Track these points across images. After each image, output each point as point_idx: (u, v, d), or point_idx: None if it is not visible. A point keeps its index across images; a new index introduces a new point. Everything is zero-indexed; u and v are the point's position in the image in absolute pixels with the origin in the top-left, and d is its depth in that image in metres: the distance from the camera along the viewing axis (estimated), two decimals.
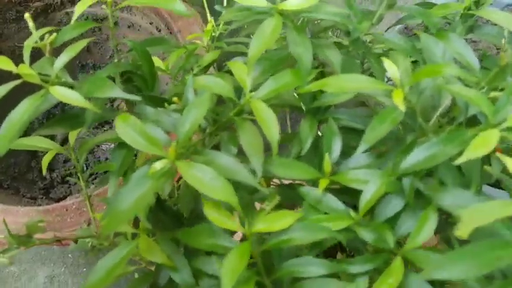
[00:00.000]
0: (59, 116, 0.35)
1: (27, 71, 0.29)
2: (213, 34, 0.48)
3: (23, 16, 0.88)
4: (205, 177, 0.26)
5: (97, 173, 0.88)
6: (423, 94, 0.33)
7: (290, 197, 0.33)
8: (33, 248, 0.99)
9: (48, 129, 0.36)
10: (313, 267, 0.28)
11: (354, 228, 0.29)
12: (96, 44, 0.95)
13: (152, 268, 0.37)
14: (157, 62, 0.44)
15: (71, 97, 0.29)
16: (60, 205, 0.79)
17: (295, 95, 0.38)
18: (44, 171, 0.41)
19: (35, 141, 0.37)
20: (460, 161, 0.25)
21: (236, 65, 0.32)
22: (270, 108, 0.32)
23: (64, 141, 0.91)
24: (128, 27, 0.88)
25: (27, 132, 0.32)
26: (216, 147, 0.34)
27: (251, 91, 0.31)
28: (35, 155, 0.90)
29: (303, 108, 0.36)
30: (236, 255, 0.27)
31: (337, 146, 0.33)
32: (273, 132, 0.29)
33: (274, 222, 0.28)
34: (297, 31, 0.35)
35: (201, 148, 0.29)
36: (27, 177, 0.88)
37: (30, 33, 0.34)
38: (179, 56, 0.44)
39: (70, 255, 0.96)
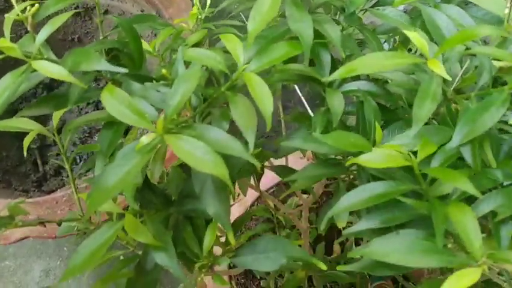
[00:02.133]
0: (44, 95, 0.34)
1: (8, 44, 0.27)
2: (199, 17, 0.46)
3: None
4: (195, 151, 0.25)
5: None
6: (447, 63, 0.32)
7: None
8: (29, 243, 0.97)
9: (33, 109, 0.34)
10: None
11: None
12: (87, 34, 0.93)
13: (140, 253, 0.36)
14: (144, 45, 0.43)
15: (55, 71, 0.27)
16: (50, 197, 0.78)
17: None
18: (25, 152, 0.39)
19: (19, 123, 0.36)
20: None
21: (228, 37, 0.30)
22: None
23: (58, 133, 0.89)
24: (119, 15, 0.86)
25: None
26: None
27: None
28: (27, 148, 0.88)
29: (321, 80, 0.35)
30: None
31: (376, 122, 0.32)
32: (267, 105, 0.27)
33: None
34: (296, 6, 0.34)
35: (191, 123, 0.28)
36: (19, 170, 0.86)
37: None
38: (167, 38, 0.43)
39: (65, 248, 0.95)
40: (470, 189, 0.26)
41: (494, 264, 0.25)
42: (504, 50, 0.34)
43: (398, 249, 0.27)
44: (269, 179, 0.83)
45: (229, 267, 0.68)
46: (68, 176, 0.88)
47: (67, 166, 0.37)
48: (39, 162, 0.86)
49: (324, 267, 0.34)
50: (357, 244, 0.74)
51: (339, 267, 0.35)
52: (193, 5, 0.47)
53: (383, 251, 0.27)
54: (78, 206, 0.37)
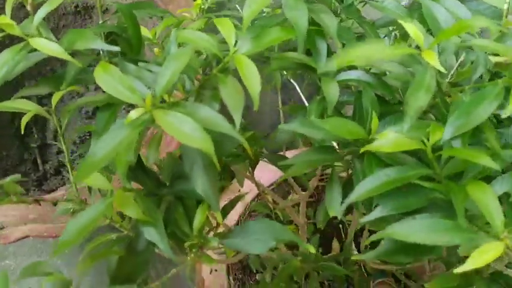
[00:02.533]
0: (43, 76, 0.35)
1: (7, 21, 0.29)
2: (202, 7, 0.48)
3: None
4: (183, 126, 0.26)
5: None
6: (443, 55, 0.33)
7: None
8: (29, 241, 0.99)
9: (32, 89, 0.36)
10: None
11: None
12: (82, 26, 0.95)
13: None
14: (144, 31, 0.44)
15: (52, 48, 0.29)
16: (50, 196, 0.79)
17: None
18: (23, 130, 0.40)
19: (17, 104, 0.37)
20: (507, 112, 0.27)
21: (222, 22, 0.32)
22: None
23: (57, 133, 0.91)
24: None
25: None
26: None
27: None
28: (27, 147, 0.90)
29: (315, 68, 0.36)
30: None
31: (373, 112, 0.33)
32: (255, 85, 0.28)
33: None
34: None
35: (181, 102, 0.29)
36: (19, 169, 0.88)
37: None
38: (167, 27, 0.44)
39: None
40: (492, 164, 0.27)
41: None
42: (501, 44, 0.35)
43: (421, 229, 0.28)
44: (269, 176, 0.84)
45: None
46: (69, 174, 0.90)
47: (64, 147, 0.39)
48: (39, 161, 0.88)
49: (313, 250, 0.35)
50: (356, 242, 0.75)
51: (354, 257, 0.36)
52: (193, 1, 0.48)
53: (406, 231, 0.28)
54: (73, 187, 0.38)
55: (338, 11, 0.44)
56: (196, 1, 0.50)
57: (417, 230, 0.28)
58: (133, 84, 0.28)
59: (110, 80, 0.27)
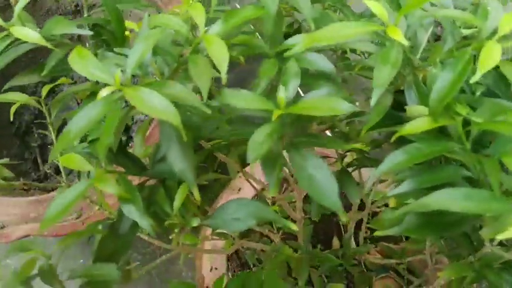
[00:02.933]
0: (30, 67, 0.38)
1: None
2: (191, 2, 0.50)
3: None
4: (151, 100, 0.28)
5: None
6: (409, 30, 0.35)
7: None
8: (30, 241, 1.02)
9: (20, 78, 0.38)
10: None
11: None
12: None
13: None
14: (131, 24, 0.47)
15: (30, 35, 0.31)
16: (51, 195, 0.82)
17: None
18: (12, 117, 0.43)
19: (8, 96, 0.40)
20: (475, 78, 0.27)
21: (194, 6, 0.34)
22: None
23: (59, 131, 0.94)
24: None
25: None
26: None
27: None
28: (28, 146, 0.93)
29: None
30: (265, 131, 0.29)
31: (294, 85, 0.34)
32: (223, 61, 0.30)
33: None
34: None
35: (153, 81, 0.31)
36: (20, 168, 0.91)
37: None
38: None
39: None
40: None
41: None
42: (467, 13, 0.36)
43: (456, 198, 0.28)
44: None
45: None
46: (69, 174, 0.93)
47: (53, 135, 0.41)
48: (39, 161, 0.91)
49: (294, 227, 0.36)
50: (356, 239, 0.75)
51: (376, 233, 0.37)
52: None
53: (441, 200, 0.28)
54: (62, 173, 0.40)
55: None
56: None
57: (453, 198, 0.28)
58: (107, 67, 0.30)
59: (83, 62, 0.30)
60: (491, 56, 0.29)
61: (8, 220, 0.77)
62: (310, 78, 0.37)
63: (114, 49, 0.35)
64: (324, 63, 0.38)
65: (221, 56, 0.30)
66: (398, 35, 0.32)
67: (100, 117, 0.28)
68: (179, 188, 0.36)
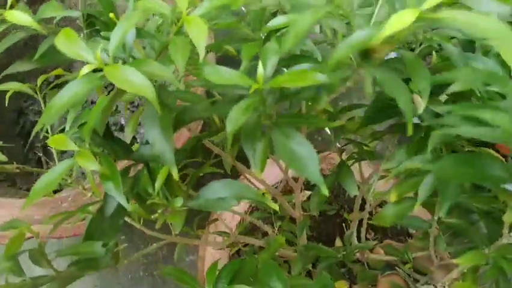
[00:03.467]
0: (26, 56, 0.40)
1: None
2: None
3: None
4: (129, 77, 0.30)
5: None
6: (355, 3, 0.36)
7: None
8: (30, 243, 1.05)
9: (16, 66, 0.41)
10: None
11: None
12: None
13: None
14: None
15: (24, 19, 0.34)
16: (56, 197, 0.85)
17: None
18: (7, 102, 0.45)
19: (4, 85, 0.43)
20: (377, 39, 0.27)
21: None
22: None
23: (62, 131, 0.98)
24: None
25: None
26: None
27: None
28: (31, 147, 0.97)
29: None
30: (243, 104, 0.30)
31: (272, 62, 0.35)
32: (201, 38, 0.32)
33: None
34: None
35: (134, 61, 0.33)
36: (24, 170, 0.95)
37: None
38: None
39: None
40: None
41: None
42: None
43: None
44: (274, 175, 0.87)
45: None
46: (71, 176, 0.96)
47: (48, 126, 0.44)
48: (43, 161, 0.94)
49: (276, 207, 0.38)
50: (359, 239, 0.76)
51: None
52: None
53: None
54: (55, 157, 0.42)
55: None
56: None
57: None
58: (92, 48, 0.32)
59: (69, 43, 0.32)
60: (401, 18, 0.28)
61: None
62: (292, 59, 0.39)
63: (101, 33, 0.37)
64: (304, 42, 0.40)
65: (200, 34, 0.32)
66: None
67: (82, 93, 0.31)
68: (161, 170, 0.38)
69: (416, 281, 0.70)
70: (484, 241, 0.45)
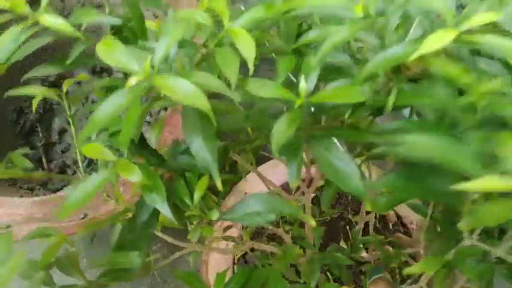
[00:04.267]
0: (49, 58, 0.38)
1: (16, 0, 0.32)
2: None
3: None
4: (180, 87, 0.28)
5: (95, 163, 0.91)
6: (391, 19, 0.35)
7: None
8: (33, 241, 1.01)
9: (40, 70, 0.38)
10: None
11: None
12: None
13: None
14: (149, 23, 0.47)
15: (59, 24, 0.32)
16: (57, 196, 0.82)
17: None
18: (34, 110, 0.43)
19: (26, 89, 0.40)
20: (413, 56, 0.27)
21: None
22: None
23: (62, 131, 0.94)
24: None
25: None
26: None
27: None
28: (32, 146, 0.93)
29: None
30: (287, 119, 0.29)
31: (313, 77, 0.34)
32: (250, 51, 0.31)
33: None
34: None
35: (179, 71, 0.31)
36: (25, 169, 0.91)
37: None
38: None
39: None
40: None
41: None
42: None
43: None
44: (281, 175, 0.85)
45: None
46: (73, 174, 0.92)
47: (73, 129, 0.41)
48: (44, 160, 0.91)
49: (313, 222, 0.36)
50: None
51: None
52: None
53: None
54: (79, 161, 0.40)
55: None
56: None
57: None
58: (135, 54, 0.30)
59: (110, 52, 0.30)
60: (439, 39, 0.28)
61: (13, 220, 0.77)
62: (327, 72, 0.38)
63: (139, 42, 0.35)
64: (341, 57, 0.38)
65: (248, 47, 0.31)
66: (359, 11, 0.32)
67: (127, 105, 0.29)
68: (199, 181, 0.37)
69: (403, 281, 0.69)
70: (448, 243, 0.44)
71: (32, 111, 0.95)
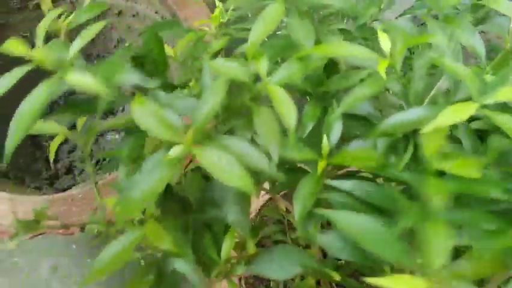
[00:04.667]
0: (67, 103, 0.35)
1: (42, 55, 0.29)
2: (221, 20, 0.48)
3: (27, 5, 0.87)
4: (221, 163, 0.26)
5: (101, 163, 0.88)
6: (417, 73, 0.33)
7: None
8: (37, 239, 0.99)
9: (56, 116, 0.36)
10: None
11: None
12: (99, 33, 0.95)
13: (158, 254, 0.37)
14: (166, 49, 0.44)
15: (88, 83, 0.29)
16: (66, 194, 0.79)
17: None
18: (52, 157, 0.40)
19: (48, 127, 0.37)
20: (427, 128, 0.26)
21: (257, 55, 0.32)
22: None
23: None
24: (133, 16, 0.87)
25: None
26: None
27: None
28: (39, 145, 0.90)
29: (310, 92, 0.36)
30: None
31: (337, 130, 0.33)
32: (291, 115, 0.28)
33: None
34: (300, 16, 0.35)
35: (213, 134, 0.29)
36: (32, 167, 0.88)
37: (35, 23, 0.34)
38: (188, 43, 0.44)
39: (73, 245, 0.97)
40: None
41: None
42: (466, 68, 0.32)
43: None
44: None
45: None
46: (80, 174, 0.90)
47: (90, 170, 0.39)
48: (51, 160, 0.88)
49: (337, 277, 0.35)
50: None
51: None
52: (209, 8, 0.48)
53: None
54: (101, 211, 0.38)
55: (352, 31, 0.44)
56: (215, 13, 0.49)
57: None
58: (170, 118, 0.28)
59: (147, 116, 0.27)
60: (458, 112, 0.27)
61: (22, 218, 0.75)
62: (350, 123, 0.36)
63: (167, 93, 0.32)
64: (365, 107, 0.37)
65: (289, 112, 0.29)
66: (382, 69, 0.30)
67: (166, 181, 0.26)
68: (226, 235, 0.35)
69: None
70: None
71: None
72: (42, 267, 0.97)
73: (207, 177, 0.39)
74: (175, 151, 0.26)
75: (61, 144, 0.92)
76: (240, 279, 0.75)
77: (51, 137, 0.91)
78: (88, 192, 0.69)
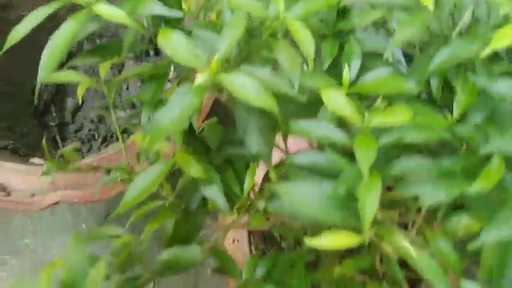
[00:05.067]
0: (95, 46, 0.36)
1: None
2: None
3: None
4: (247, 86, 0.27)
5: (108, 141, 0.89)
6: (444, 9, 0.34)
7: None
8: (48, 219, 1.00)
9: (80, 59, 0.36)
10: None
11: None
12: None
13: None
14: None
15: (115, 14, 0.30)
16: (82, 163, 0.79)
17: None
18: (80, 100, 0.41)
19: (66, 76, 0.38)
20: (485, 52, 0.26)
21: None
22: None
23: (75, 111, 0.92)
24: None
25: None
26: None
27: None
28: (46, 126, 0.91)
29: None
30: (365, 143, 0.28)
31: (356, 65, 0.33)
32: (310, 46, 0.29)
33: (390, 118, 0.28)
34: None
35: (237, 64, 0.30)
36: (39, 147, 0.88)
37: (37, 2, 0.34)
38: None
39: (83, 225, 0.98)
40: None
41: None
42: None
43: None
44: (296, 146, 0.85)
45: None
46: (88, 151, 0.91)
47: (113, 117, 0.40)
48: (58, 139, 0.89)
49: None
50: None
51: None
52: None
53: None
54: (124, 156, 0.39)
55: None
56: None
57: None
58: (194, 47, 0.29)
59: (173, 45, 0.28)
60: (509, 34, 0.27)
61: (37, 188, 0.75)
62: (366, 59, 0.37)
63: (194, 31, 0.33)
64: (381, 43, 0.37)
65: (308, 42, 0.30)
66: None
67: (194, 107, 0.27)
68: (248, 170, 0.36)
69: None
70: None
71: (46, 91, 0.92)
72: (52, 247, 0.98)
73: (226, 124, 0.40)
74: (201, 78, 0.27)
75: (68, 123, 0.92)
76: (250, 245, 0.76)
77: (59, 118, 0.91)
78: (102, 161, 0.69)
